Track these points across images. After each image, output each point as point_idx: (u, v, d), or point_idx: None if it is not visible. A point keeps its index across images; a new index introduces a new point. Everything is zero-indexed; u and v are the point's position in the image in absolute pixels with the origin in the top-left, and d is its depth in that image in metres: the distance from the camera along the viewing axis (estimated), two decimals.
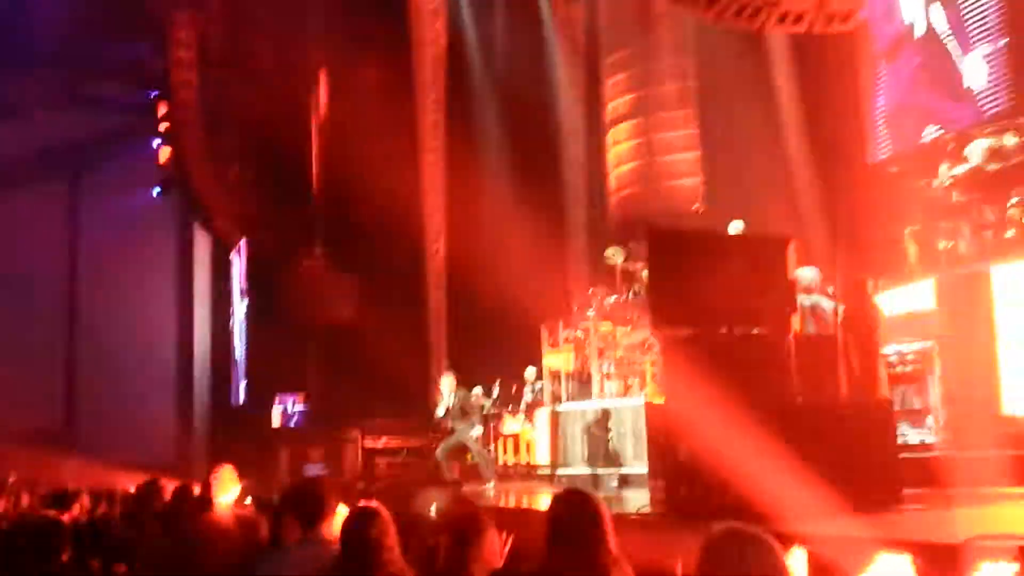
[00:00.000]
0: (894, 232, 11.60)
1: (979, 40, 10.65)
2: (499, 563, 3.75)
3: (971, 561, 3.62)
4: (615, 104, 18.61)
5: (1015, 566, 3.54)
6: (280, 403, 19.36)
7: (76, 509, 8.08)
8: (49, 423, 22.07)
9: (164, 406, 23.30)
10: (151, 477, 9.20)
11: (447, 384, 12.61)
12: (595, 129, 19.03)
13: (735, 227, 10.72)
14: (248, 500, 7.66)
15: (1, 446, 16.99)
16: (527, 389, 14.87)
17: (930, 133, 11.47)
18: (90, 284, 23.05)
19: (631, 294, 13.09)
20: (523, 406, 14.66)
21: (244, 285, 22.04)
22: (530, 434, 14.24)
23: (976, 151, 10.28)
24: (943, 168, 10.91)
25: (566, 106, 19.24)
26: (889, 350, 8.63)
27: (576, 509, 3.33)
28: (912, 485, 7.15)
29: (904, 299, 10.44)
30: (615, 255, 13.10)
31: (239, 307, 22.70)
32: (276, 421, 19.17)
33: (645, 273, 11.37)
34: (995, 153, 10.09)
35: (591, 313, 13.08)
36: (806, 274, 8.89)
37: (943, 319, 9.66)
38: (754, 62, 15.90)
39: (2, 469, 12.06)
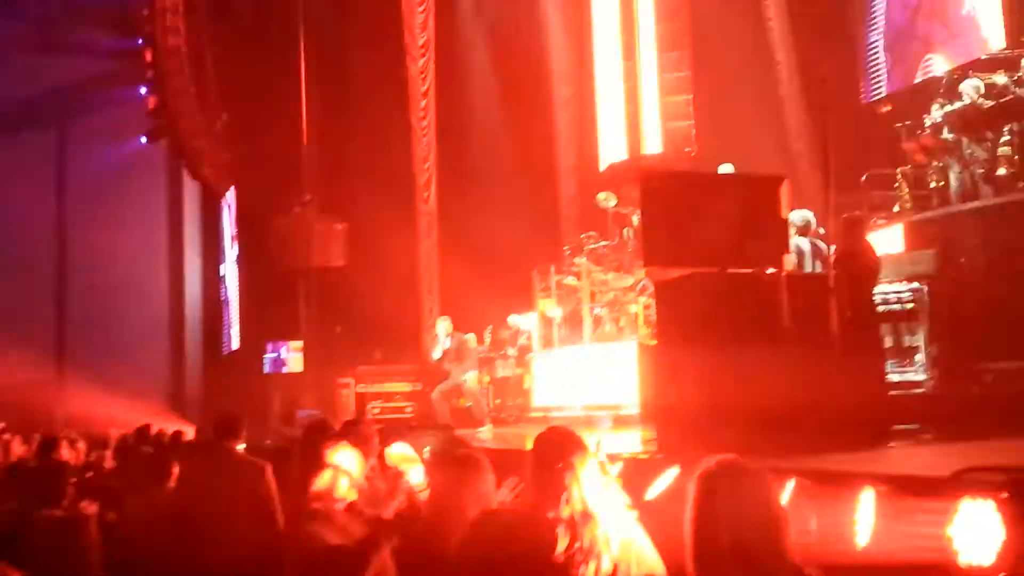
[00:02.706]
0: (887, 172, 11.61)
1: None
2: (492, 503, 3.77)
3: (955, 496, 3.64)
4: (606, 46, 18.43)
5: (995, 500, 3.56)
6: (272, 349, 19.41)
7: (68, 454, 8.12)
8: (41, 371, 22.05)
9: (156, 353, 23.34)
10: (143, 424, 9.23)
11: (443, 328, 12.62)
12: (586, 72, 18.87)
13: (725, 169, 10.68)
14: (241, 446, 7.68)
15: None
16: (508, 336, 14.91)
17: (931, 64, 11.41)
18: (80, 232, 22.93)
19: (623, 238, 13.06)
20: (515, 351, 14.70)
21: (234, 232, 21.97)
22: (523, 378, 14.30)
23: (969, 88, 10.23)
24: (935, 106, 10.87)
25: (557, 49, 19.05)
26: (881, 289, 8.65)
27: (557, 445, 3.34)
28: (902, 422, 7.22)
29: (895, 239, 10.47)
30: (607, 199, 13.05)
31: (230, 254, 22.65)
32: (268, 367, 19.23)
33: (637, 217, 11.33)
34: (988, 90, 10.03)
35: (582, 258, 13.07)
36: (800, 215, 8.88)
37: (933, 258, 9.69)
38: (746, 2, 15.78)
39: None
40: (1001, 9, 11.02)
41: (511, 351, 14.73)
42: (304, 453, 4.27)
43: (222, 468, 5.37)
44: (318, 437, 4.29)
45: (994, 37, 10.80)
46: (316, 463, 4.10)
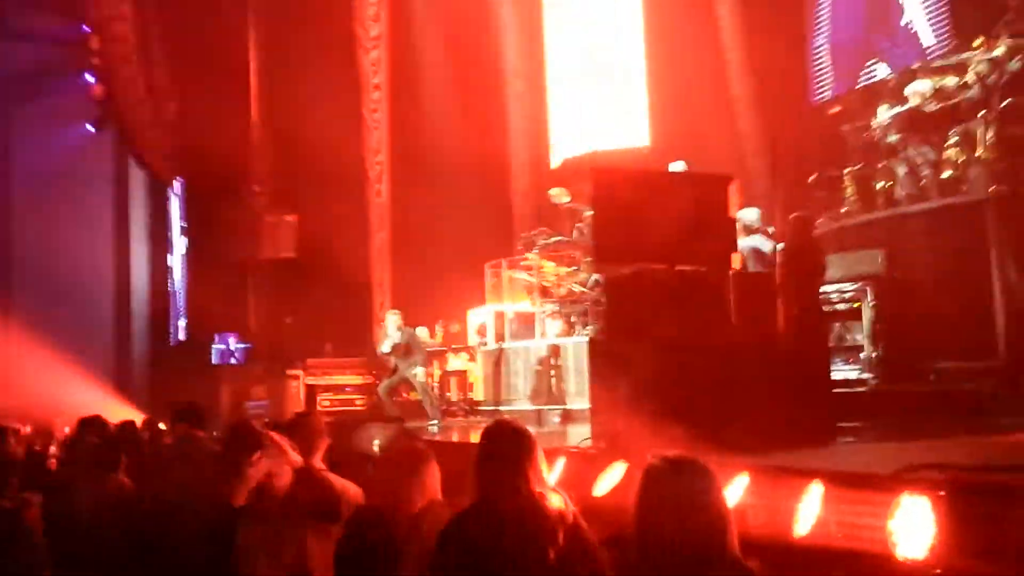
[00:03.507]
0: (834, 172, 11.77)
1: None
2: (438, 495, 3.79)
3: (894, 492, 3.73)
4: (558, 42, 18.49)
5: (931, 497, 3.65)
6: (220, 340, 19.22)
7: (12, 444, 7.97)
8: None
9: (102, 344, 22.94)
10: (92, 415, 9.08)
11: (392, 322, 12.59)
12: (538, 70, 18.91)
13: (677, 167, 10.77)
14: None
15: None
16: (468, 327, 14.93)
17: (871, 71, 11.61)
18: (23, 220, 22.49)
19: (575, 233, 13.11)
20: (467, 344, 14.72)
21: (183, 222, 21.71)
22: (473, 372, 14.31)
23: (915, 91, 10.41)
24: (882, 109, 11.04)
25: (510, 43, 19.06)
26: (826, 288, 8.78)
27: (505, 439, 3.36)
28: (846, 419, 7.34)
29: (842, 238, 10.63)
30: (560, 195, 13.09)
31: (177, 244, 22.39)
32: (216, 358, 19.05)
33: (588, 212, 11.39)
34: (936, 93, 10.21)
35: (534, 253, 13.10)
36: (748, 214, 8.98)
37: (878, 259, 9.85)
38: (700, 1, 15.90)
39: None
40: (948, 13, 11.23)
41: (467, 343, 14.76)
42: (225, 464, 4.26)
43: (186, 456, 5.34)
44: (239, 448, 4.26)
45: (933, 47, 11.03)
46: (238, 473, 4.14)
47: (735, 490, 4.33)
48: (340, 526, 4.03)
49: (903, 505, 3.66)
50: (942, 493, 3.62)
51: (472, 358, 14.51)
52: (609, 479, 5.43)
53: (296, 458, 4.25)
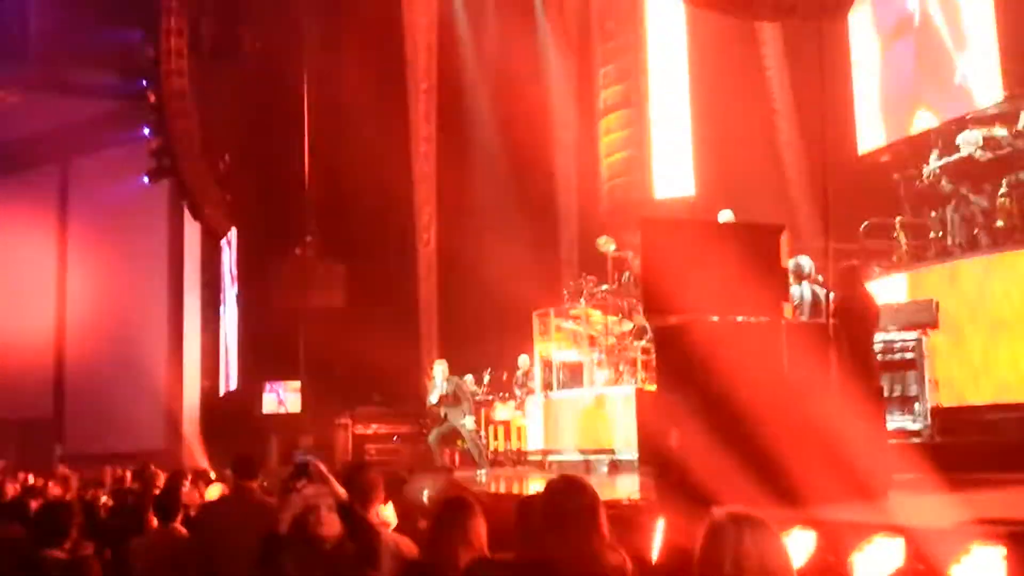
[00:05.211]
0: (885, 221, 11.67)
1: (973, 32, 10.73)
2: (485, 550, 3.74)
3: (962, 544, 3.66)
4: (607, 93, 18.62)
5: (1003, 549, 3.59)
6: (270, 390, 19.37)
7: (64, 491, 8.10)
8: (38, 411, 22.03)
9: (154, 393, 23.28)
10: (142, 463, 9.20)
11: (440, 371, 12.61)
12: (587, 118, 19.03)
13: (724, 216, 10.75)
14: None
15: None
16: (518, 376, 14.90)
17: (922, 121, 11.55)
18: (80, 271, 23.00)
19: (622, 282, 13.11)
20: (517, 393, 14.69)
21: (234, 273, 22.01)
22: (521, 421, 14.27)
23: (967, 141, 10.33)
24: (933, 157, 10.96)
25: (558, 94, 19.22)
26: (880, 338, 8.68)
27: (570, 495, 3.34)
28: (902, 471, 7.21)
29: (894, 288, 10.51)
30: (607, 243, 13.12)
31: (229, 294, 22.68)
32: (266, 408, 19.18)
33: (636, 261, 11.39)
34: (987, 142, 10.12)
35: (582, 301, 13.11)
36: (798, 262, 8.92)
37: (933, 309, 9.72)
38: (745, 50, 15.93)
39: None
40: (998, 61, 11.15)
41: (518, 391, 14.72)
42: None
43: (241, 508, 5.40)
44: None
45: (985, 101, 10.95)
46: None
47: (799, 547, 4.27)
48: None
49: (967, 559, 3.59)
50: (1004, 547, 3.55)
51: (519, 407, 14.49)
52: (661, 534, 5.38)
53: (341, 491, 4.25)
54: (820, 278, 9.41)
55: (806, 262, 9.07)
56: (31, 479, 12.04)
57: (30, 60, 22.40)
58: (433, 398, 12.55)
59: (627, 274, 13.12)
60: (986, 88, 10.91)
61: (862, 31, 13.59)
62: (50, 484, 10.11)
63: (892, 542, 4.01)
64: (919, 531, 4.19)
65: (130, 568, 5.54)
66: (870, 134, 13.54)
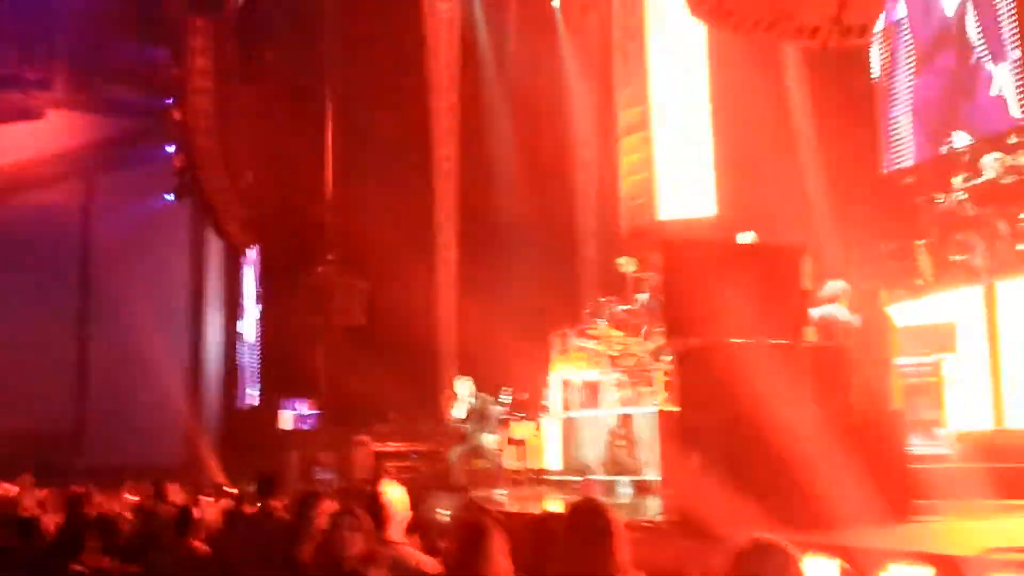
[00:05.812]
0: (907, 244, 11.60)
1: (1011, 47, 10.75)
2: (507, 568, 3.73)
3: (986, 572, 3.64)
4: (627, 113, 18.64)
5: None
6: (290, 407, 19.43)
7: (87, 507, 8.12)
8: (59, 425, 22.14)
9: (174, 409, 23.37)
10: (157, 479, 9.24)
11: (465, 388, 12.59)
12: (607, 138, 19.05)
13: (746, 237, 10.73)
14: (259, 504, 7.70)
15: (11, 448, 17.07)
16: (547, 394, 14.87)
17: (957, 140, 11.51)
18: (102, 287, 23.15)
19: (641, 303, 13.08)
20: (540, 413, 14.66)
21: (257, 289, 22.12)
22: (539, 441, 14.23)
23: (990, 164, 10.29)
24: (957, 180, 10.91)
25: (578, 114, 19.26)
26: (902, 361, 8.63)
27: (590, 517, 3.36)
28: (923, 496, 7.16)
29: (917, 311, 10.45)
30: (627, 264, 13.11)
31: (251, 311, 22.79)
32: (284, 424, 19.23)
33: (656, 282, 11.37)
34: (1011, 167, 10.08)
35: (602, 321, 13.08)
36: (832, 285, 8.89)
37: (956, 332, 9.66)
38: (767, 71, 15.90)
39: (11, 471, 12.07)
40: None
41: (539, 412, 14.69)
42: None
43: (264, 527, 5.43)
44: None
45: (1021, 119, 10.94)
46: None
47: (821, 573, 4.25)
48: None
49: None
50: None
51: (538, 426, 14.45)
52: (679, 557, 5.36)
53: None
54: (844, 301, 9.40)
55: (840, 284, 9.06)
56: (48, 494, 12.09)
57: (56, 77, 22.67)
58: (460, 412, 12.52)
59: (647, 295, 13.11)
60: (1020, 106, 10.89)
61: (890, 51, 13.60)
62: (71, 499, 10.13)
63: (914, 569, 3.98)
64: (942, 558, 4.16)
65: None
66: (899, 155, 13.51)
